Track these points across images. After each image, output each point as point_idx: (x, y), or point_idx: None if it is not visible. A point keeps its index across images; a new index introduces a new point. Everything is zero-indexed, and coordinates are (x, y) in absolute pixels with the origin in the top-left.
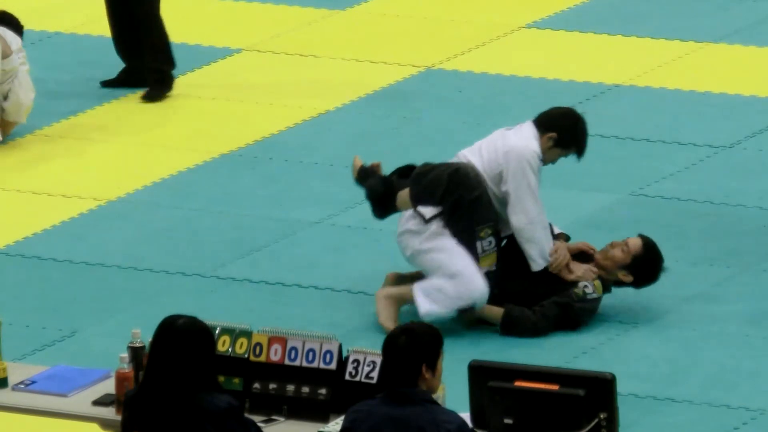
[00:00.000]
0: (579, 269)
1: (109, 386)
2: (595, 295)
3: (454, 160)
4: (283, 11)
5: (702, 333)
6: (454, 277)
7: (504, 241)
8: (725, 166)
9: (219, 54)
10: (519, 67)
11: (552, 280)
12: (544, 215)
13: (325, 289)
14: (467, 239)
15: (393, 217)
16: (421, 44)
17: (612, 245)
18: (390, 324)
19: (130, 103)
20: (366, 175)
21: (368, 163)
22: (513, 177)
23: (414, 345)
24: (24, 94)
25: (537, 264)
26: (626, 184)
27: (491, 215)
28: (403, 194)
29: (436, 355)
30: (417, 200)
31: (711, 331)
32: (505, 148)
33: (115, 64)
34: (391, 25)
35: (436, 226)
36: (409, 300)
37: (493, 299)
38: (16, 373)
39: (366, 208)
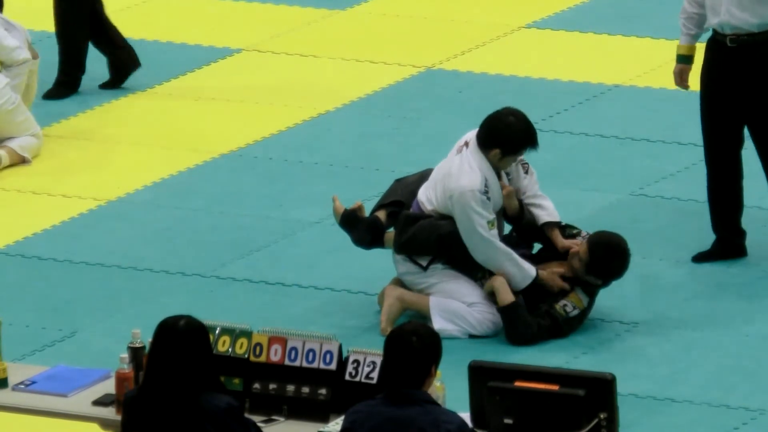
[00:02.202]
0: (554, 284)
1: (109, 386)
2: (576, 312)
3: (417, 204)
4: (283, 11)
5: (702, 333)
6: (472, 306)
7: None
8: None
9: (219, 54)
10: (519, 67)
11: (532, 294)
12: (497, 246)
13: (325, 289)
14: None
15: None
16: (421, 44)
17: (570, 255)
18: (387, 325)
19: (131, 103)
20: (350, 222)
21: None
22: (460, 222)
23: (426, 346)
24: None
25: (515, 285)
26: (626, 184)
27: None
28: (390, 239)
29: (441, 356)
30: (408, 254)
31: (711, 331)
32: (448, 192)
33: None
34: (391, 25)
35: (435, 269)
36: (420, 310)
37: None
38: (16, 374)
39: (366, 208)
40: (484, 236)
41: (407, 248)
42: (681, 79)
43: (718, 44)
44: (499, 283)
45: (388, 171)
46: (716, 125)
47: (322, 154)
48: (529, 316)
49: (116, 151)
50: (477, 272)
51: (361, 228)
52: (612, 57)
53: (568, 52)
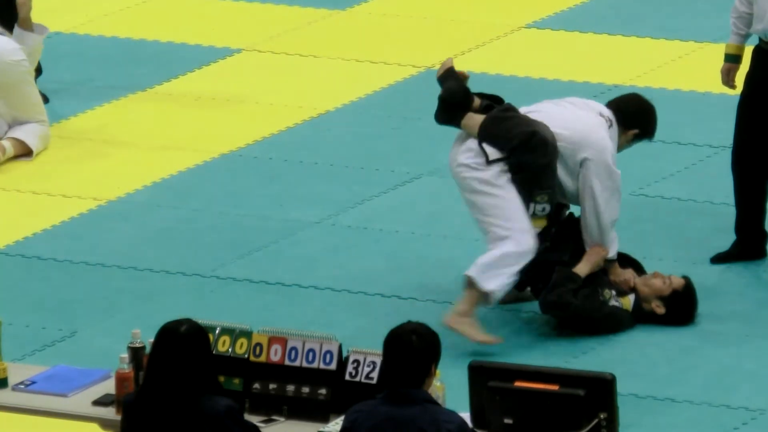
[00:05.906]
0: (619, 276)
1: (109, 386)
2: (618, 305)
3: (535, 112)
4: (283, 11)
5: (702, 333)
6: (504, 240)
7: (566, 212)
8: (725, 166)
9: (219, 54)
10: (519, 67)
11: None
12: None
13: (325, 289)
14: (523, 199)
15: (394, 218)
16: (421, 44)
17: (654, 275)
18: (481, 335)
19: (131, 104)
20: (450, 77)
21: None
22: (601, 179)
23: (426, 345)
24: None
25: (607, 249)
26: (626, 184)
27: (552, 183)
28: (474, 119)
29: (440, 355)
30: (485, 139)
31: (711, 331)
32: (589, 142)
33: (114, 64)
34: (391, 25)
35: (496, 169)
36: (475, 302)
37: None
38: (16, 374)
39: (366, 208)
40: (619, 197)
41: (488, 130)
42: (728, 78)
43: (762, 51)
44: (592, 259)
45: (388, 171)
46: (751, 129)
47: (322, 154)
48: (571, 295)
49: (116, 151)
50: (537, 192)
51: (458, 83)
52: (612, 57)
53: (568, 52)
